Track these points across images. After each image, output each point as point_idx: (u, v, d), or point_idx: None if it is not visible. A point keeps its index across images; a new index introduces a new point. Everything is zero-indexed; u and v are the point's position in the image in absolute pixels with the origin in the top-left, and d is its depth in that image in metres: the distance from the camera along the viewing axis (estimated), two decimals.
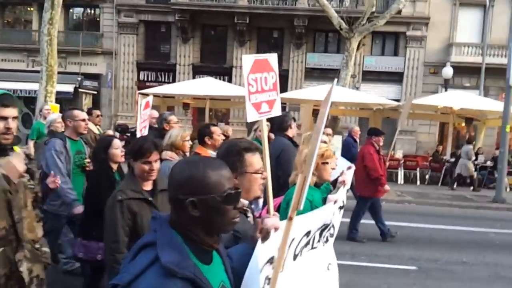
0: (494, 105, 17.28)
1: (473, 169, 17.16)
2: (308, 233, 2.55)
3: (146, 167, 3.73)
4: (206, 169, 1.74)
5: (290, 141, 6.53)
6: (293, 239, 2.34)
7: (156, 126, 7.59)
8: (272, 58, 2.85)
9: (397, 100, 22.98)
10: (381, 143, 9.16)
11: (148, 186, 3.82)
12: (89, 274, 4.99)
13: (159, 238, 1.70)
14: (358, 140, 12.14)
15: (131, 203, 3.63)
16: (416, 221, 11.38)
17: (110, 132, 7.34)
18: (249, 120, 2.73)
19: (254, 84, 2.70)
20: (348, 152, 11.03)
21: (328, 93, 2.16)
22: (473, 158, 17.23)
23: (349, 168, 5.00)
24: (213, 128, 5.92)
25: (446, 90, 21.53)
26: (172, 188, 1.77)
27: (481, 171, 18.10)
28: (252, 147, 2.62)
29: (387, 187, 9.00)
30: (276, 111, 2.86)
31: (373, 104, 19.21)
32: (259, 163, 2.60)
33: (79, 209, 5.41)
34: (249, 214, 2.66)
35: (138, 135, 6.99)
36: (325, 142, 5.92)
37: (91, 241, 4.61)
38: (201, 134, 5.83)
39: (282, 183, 4.57)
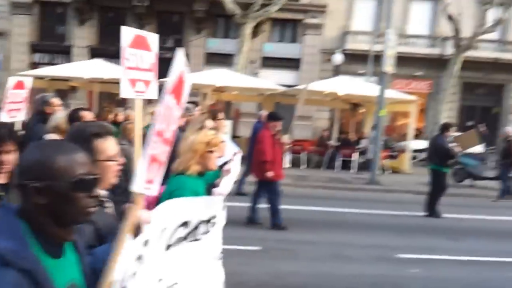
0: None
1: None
2: (185, 224, 2.49)
3: None
4: (55, 152, 1.61)
5: (180, 130, 6.47)
6: (164, 229, 2.27)
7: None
8: (151, 37, 2.71)
9: (294, 86, 23.33)
10: (278, 128, 9.23)
11: (1, 179, 3.21)
12: None
13: None
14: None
15: None
16: (287, 203, 11.55)
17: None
18: (122, 96, 2.56)
19: (133, 60, 2.56)
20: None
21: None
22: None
23: (235, 154, 4.99)
24: (83, 113, 5.54)
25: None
26: (18, 173, 1.63)
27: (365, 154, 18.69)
28: (103, 132, 2.41)
29: (270, 173, 9.08)
30: (151, 94, 2.74)
31: (264, 89, 19.45)
32: (112, 149, 2.41)
33: None
34: (108, 205, 2.49)
35: (2, 118, 6.36)
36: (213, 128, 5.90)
37: None
38: (70, 119, 5.41)
39: None
